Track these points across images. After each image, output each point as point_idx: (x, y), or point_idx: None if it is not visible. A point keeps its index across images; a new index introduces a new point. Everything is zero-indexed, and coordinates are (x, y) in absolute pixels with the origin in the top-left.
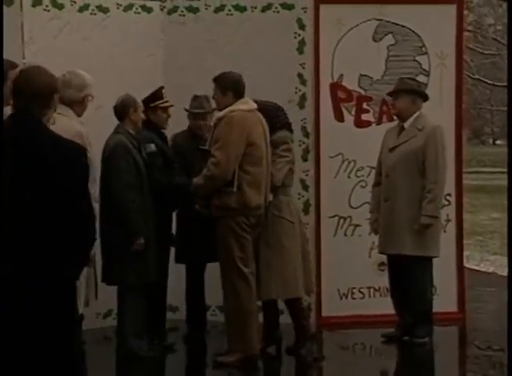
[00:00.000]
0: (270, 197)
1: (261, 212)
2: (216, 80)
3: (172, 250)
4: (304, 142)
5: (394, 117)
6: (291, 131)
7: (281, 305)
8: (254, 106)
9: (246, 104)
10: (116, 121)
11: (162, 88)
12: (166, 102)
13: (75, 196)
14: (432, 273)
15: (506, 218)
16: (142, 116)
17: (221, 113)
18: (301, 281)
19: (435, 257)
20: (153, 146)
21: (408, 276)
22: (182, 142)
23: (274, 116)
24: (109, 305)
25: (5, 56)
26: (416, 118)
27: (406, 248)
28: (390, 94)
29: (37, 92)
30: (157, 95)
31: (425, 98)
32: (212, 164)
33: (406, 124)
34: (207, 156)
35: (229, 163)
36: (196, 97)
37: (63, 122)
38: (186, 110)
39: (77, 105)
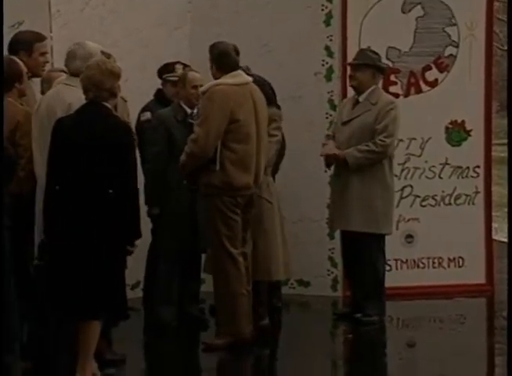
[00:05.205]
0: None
1: (252, 192)
2: (209, 51)
3: None
4: (330, 115)
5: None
6: (279, 107)
7: None
8: (247, 79)
9: (236, 78)
10: (144, 94)
11: (176, 62)
12: (173, 76)
13: None
14: (384, 250)
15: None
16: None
17: (204, 87)
18: (282, 263)
19: (387, 234)
20: (148, 115)
21: (358, 253)
22: None
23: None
24: (138, 276)
25: (32, 29)
26: (371, 92)
27: (356, 224)
28: (350, 64)
29: None
30: (166, 68)
31: (384, 73)
32: (191, 140)
33: (361, 98)
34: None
35: (208, 139)
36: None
37: (75, 94)
38: None
39: None
